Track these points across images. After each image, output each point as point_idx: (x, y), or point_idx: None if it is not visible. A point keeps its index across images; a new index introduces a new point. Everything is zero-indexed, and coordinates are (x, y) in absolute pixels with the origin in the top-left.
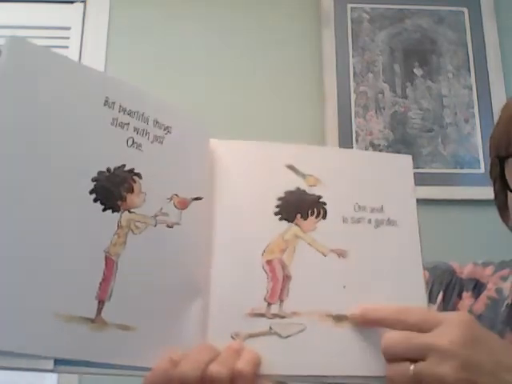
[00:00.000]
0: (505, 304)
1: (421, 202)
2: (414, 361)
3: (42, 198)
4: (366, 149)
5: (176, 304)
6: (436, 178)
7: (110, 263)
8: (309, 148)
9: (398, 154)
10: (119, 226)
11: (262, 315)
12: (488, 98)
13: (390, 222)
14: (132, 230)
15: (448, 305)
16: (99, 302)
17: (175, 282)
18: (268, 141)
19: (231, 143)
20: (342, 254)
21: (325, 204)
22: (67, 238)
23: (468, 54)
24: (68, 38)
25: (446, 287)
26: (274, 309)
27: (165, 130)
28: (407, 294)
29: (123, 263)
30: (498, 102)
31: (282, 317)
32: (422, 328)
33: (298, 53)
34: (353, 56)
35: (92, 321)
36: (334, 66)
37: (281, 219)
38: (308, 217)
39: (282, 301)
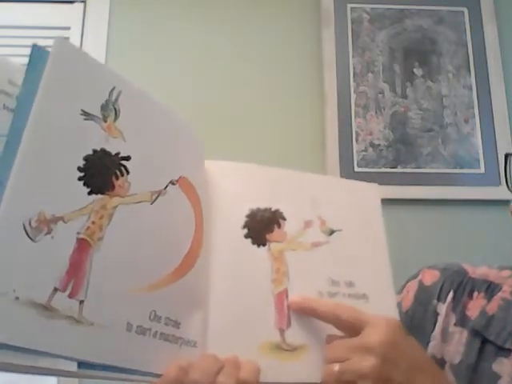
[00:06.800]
0: None
1: (421, 202)
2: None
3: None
4: (366, 149)
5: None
6: (436, 178)
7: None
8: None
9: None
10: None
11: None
12: (488, 98)
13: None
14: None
15: (458, 304)
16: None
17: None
18: (268, 142)
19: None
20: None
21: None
22: None
23: (468, 54)
24: (68, 38)
25: (457, 287)
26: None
27: None
28: None
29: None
30: (498, 101)
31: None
32: (353, 327)
33: (298, 53)
34: (353, 56)
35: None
36: (334, 66)
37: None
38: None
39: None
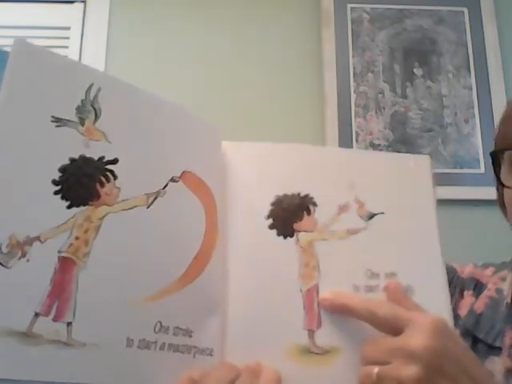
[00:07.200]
0: (504, 303)
1: None
2: (382, 364)
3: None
4: (366, 149)
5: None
6: (436, 178)
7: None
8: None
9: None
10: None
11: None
12: (488, 98)
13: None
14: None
15: (451, 303)
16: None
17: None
18: (267, 142)
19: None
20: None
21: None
22: None
23: (468, 54)
24: (68, 38)
25: (448, 286)
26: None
27: None
28: None
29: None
30: (498, 101)
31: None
32: (392, 325)
33: (298, 53)
34: (353, 56)
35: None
36: (334, 66)
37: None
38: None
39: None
